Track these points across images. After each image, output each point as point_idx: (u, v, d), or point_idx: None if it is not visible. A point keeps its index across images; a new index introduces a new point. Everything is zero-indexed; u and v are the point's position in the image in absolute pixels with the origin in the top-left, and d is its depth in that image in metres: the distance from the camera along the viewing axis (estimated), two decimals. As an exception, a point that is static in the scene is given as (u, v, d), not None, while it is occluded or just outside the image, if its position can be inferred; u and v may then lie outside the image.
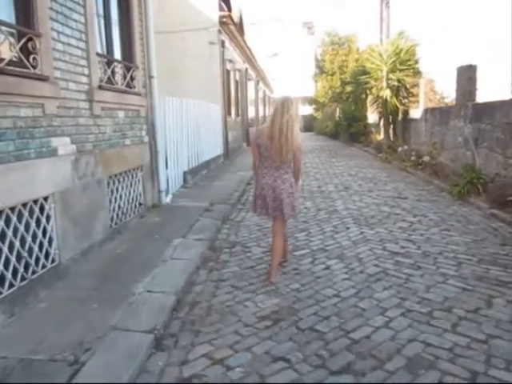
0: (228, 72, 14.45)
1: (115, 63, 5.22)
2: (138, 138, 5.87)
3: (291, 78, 37.81)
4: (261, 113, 27.96)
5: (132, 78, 5.73)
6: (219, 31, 12.50)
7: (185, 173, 8.33)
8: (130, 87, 5.68)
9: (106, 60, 5.05)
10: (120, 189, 5.32)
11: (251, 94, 22.13)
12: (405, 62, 12.14)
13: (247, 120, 19.34)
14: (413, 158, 10.12)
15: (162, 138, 6.86)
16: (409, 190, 8.06)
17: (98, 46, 4.85)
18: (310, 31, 42.86)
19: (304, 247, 4.84)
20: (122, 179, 5.36)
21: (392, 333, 2.96)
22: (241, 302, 3.52)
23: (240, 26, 20.74)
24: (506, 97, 6.99)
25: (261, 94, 27.97)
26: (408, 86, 12.32)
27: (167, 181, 7.12)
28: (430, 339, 2.85)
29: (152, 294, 3.53)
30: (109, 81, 5.05)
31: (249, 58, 18.78)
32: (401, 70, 12.07)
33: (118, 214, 5.23)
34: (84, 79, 4.40)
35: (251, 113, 21.62)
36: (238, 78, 16.86)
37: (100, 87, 4.68)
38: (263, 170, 3.92)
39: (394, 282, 3.78)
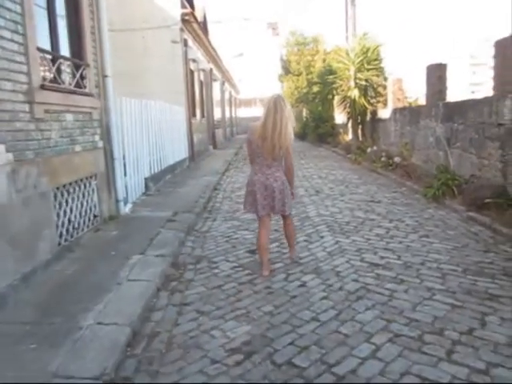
0: (192, 72, 13.93)
1: (61, 60, 4.66)
2: (90, 143, 5.31)
3: (257, 79, 37.54)
4: (227, 114, 27.49)
5: (82, 77, 5.17)
6: (181, 29, 11.98)
7: (146, 179, 7.78)
8: (81, 87, 5.12)
9: (50, 57, 4.49)
10: (70, 201, 4.75)
11: (217, 95, 21.66)
12: (372, 62, 11.98)
13: (213, 122, 18.84)
14: (383, 159, 9.92)
15: (118, 143, 6.32)
16: (381, 192, 7.80)
17: (40, 41, 4.28)
18: (274, 32, 42.73)
19: (276, 260, 4.42)
20: (72, 190, 4.80)
21: (381, 365, 2.57)
22: (207, 331, 3.07)
23: (204, 25, 20.23)
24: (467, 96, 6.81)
25: (227, 95, 27.51)
26: (375, 85, 12.16)
27: (126, 189, 6.58)
28: (425, 372, 2.49)
29: (103, 326, 3.03)
30: (54, 80, 4.49)
31: (213, 57, 18.30)
32: (368, 70, 11.89)
33: (68, 230, 4.67)
34: (22, 78, 3.83)
35: (217, 114, 21.13)
36: (202, 78, 16.35)
37: (42, 87, 4.12)
38: (255, 166, 4.00)
39: (377, 300, 3.42)
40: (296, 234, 4.69)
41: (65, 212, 4.63)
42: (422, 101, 13.53)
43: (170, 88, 11.87)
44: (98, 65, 5.60)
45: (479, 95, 7.13)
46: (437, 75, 8.02)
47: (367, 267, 4.12)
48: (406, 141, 9.44)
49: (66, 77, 4.78)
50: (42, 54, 4.20)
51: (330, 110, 17.98)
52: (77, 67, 5.06)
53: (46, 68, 4.35)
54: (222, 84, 24.01)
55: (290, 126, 3.85)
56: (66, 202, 4.67)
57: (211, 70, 18.72)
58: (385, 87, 13.09)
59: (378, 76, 12.48)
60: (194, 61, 13.66)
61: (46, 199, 4.14)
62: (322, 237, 5.14)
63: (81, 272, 4.03)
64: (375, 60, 12.02)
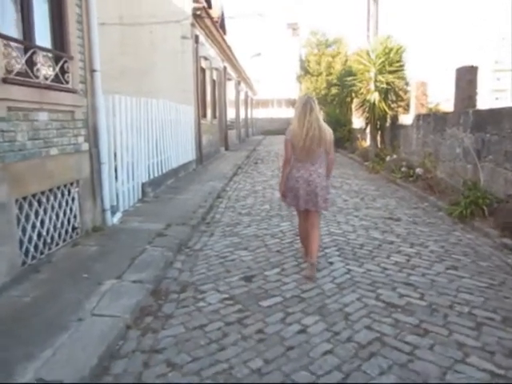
0: (203, 70, 13.30)
1: (36, 50, 4.03)
2: (71, 146, 4.69)
3: (275, 80, 36.83)
4: (242, 115, 26.85)
5: (64, 72, 4.55)
6: (193, 25, 11.35)
7: (144, 184, 7.16)
8: (61, 82, 4.50)
9: (21, 46, 3.88)
10: (42, 212, 4.14)
11: (231, 95, 21.02)
12: (394, 63, 11.16)
13: (226, 122, 18.21)
14: (403, 169, 9.13)
15: (110, 146, 5.71)
16: (401, 208, 7.03)
17: (7, 27, 3.68)
18: (294, 32, 41.93)
19: (274, 293, 3.73)
20: (44, 200, 4.18)
21: None
22: (175, 396, 2.40)
23: (221, 24, 19.63)
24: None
25: (242, 96, 26.87)
26: (397, 89, 11.36)
27: (117, 196, 5.96)
28: None
29: (43, 386, 2.38)
30: (25, 73, 3.88)
31: (228, 56, 17.66)
32: (390, 72, 11.08)
33: (37, 246, 4.05)
34: (-22, 69, 3.22)
35: (231, 115, 20.49)
36: (215, 77, 15.72)
37: (5, 80, 3.50)
38: (298, 163, 4.12)
39: (395, 360, 2.70)
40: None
41: (33, 225, 4.01)
42: (443, 107, 12.76)
43: (178, 86, 11.26)
44: (85, 58, 4.99)
45: (503, 102, 6.31)
46: (467, 79, 7.22)
47: (383, 309, 3.39)
48: (430, 151, 8.63)
49: (42, 70, 4.15)
50: (5, 42, 3.57)
51: (347, 114, 17.20)
52: (57, 59, 4.45)
53: (13, 59, 3.73)
54: (238, 84, 23.36)
55: (323, 123, 4.05)
56: (36, 213, 4.05)
57: (225, 68, 18.09)
58: (405, 92, 12.29)
59: (399, 79, 11.69)
60: (205, 58, 13.02)
61: (4, 211, 3.52)
62: (331, 263, 4.42)
63: (40, 300, 3.39)
64: (398, 62, 11.21)
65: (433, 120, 8.72)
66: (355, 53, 14.53)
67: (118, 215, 5.74)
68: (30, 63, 3.97)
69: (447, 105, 14.20)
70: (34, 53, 3.99)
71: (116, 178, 5.97)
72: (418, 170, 8.41)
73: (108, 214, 5.39)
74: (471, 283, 3.89)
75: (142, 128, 7.13)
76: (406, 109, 11.88)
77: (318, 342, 2.92)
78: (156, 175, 7.89)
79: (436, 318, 3.24)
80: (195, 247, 5.03)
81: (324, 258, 4.58)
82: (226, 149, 17.90)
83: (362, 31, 17.43)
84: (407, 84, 12.53)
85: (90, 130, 5.10)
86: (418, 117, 9.74)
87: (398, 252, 4.75)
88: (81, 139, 4.90)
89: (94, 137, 5.17)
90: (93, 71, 5.09)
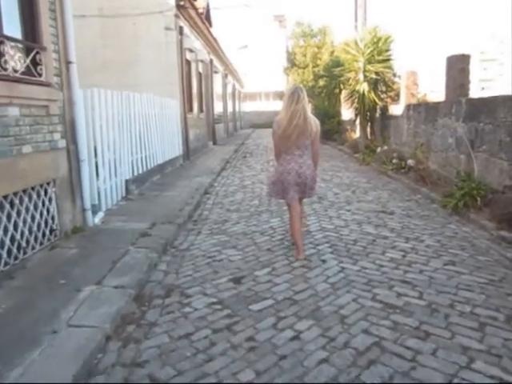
0: (189, 63, 12.98)
1: (2, 40, 3.73)
2: (47, 143, 4.41)
3: (263, 73, 36.49)
4: (230, 108, 26.53)
5: (36, 63, 4.26)
6: (176, 16, 11.02)
7: (128, 181, 6.88)
8: (33, 75, 4.21)
9: (-14, 35, 3.59)
10: (14, 214, 3.87)
11: (218, 88, 20.70)
12: (383, 53, 10.95)
13: (213, 116, 17.90)
14: (395, 161, 8.96)
15: (90, 142, 5.43)
16: (394, 200, 6.85)
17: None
18: (281, 24, 41.52)
19: (265, 295, 3.51)
20: (17, 201, 3.91)
21: None
22: (157, 416, 2.18)
23: (207, 17, 19.26)
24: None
25: (230, 89, 26.52)
26: (387, 79, 11.16)
27: (98, 195, 5.69)
28: None
29: (8, 411, 2.14)
30: (-10, 65, 3.59)
31: (214, 48, 17.32)
32: (379, 62, 10.87)
33: (10, 251, 3.78)
34: None
35: (218, 108, 20.17)
36: (201, 70, 15.39)
37: (-33, 73, 3.22)
38: (287, 156, 4.19)
39: (396, 368, 2.50)
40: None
41: (5, 229, 3.74)
42: (431, 97, 12.62)
43: (163, 79, 10.95)
44: (60, 49, 4.69)
45: (489, 92, 6.15)
46: (459, 67, 7.04)
47: (381, 310, 3.20)
48: (421, 141, 8.45)
49: (11, 62, 3.86)
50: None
51: (336, 105, 16.96)
52: (27, 50, 4.16)
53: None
54: (225, 77, 23.02)
55: (309, 113, 4.10)
56: (8, 216, 3.78)
57: (211, 61, 17.75)
58: (393, 82, 12.10)
59: (388, 69, 11.49)
60: (190, 51, 12.69)
61: (-29, 216, 3.25)
62: (323, 261, 4.22)
63: (12, 310, 3.14)
64: (386, 51, 11.00)
65: (424, 110, 8.54)
66: (343, 43, 14.32)
67: (100, 215, 5.48)
68: (-4, 54, 3.67)
69: (433, 95, 14.09)
70: (0, 42, 3.69)
71: (97, 175, 5.69)
72: (410, 162, 8.24)
73: (89, 214, 5.12)
74: (471, 279, 3.71)
75: (125, 123, 6.84)
76: (395, 99, 11.70)
77: (313, 350, 2.72)
78: (140, 171, 7.62)
79: (437, 318, 3.05)
80: (181, 247, 4.79)
81: (316, 255, 4.38)
82: (214, 143, 17.61)
83: (349, 21, 17.20)
84: (395, 75, 12.36)
85: (67, 125, 4.81)
86: (408, 107, 9.56)
87: (393, 247, 4.56)
88: (57, 135, 4.62)
89: (71, 133, 4.89)
90: (69, 63, 4.80)
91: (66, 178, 4.79)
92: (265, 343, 2.81)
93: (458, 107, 6.88)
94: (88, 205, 5.10)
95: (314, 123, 4.14)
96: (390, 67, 11.58)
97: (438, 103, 7.99)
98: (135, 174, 7.31)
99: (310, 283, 3.71)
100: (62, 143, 4.72)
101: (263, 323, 3.06)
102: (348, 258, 4.26)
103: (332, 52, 24.39)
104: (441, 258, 4.22)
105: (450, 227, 5.30)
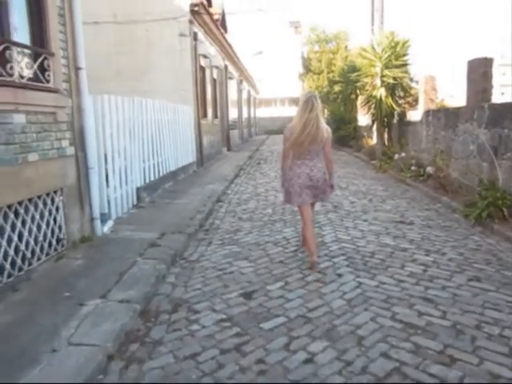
0: (203, 69, 12.90)
1: (8, 45, 3.64)
2: (54, 150, 4.30)
3: (278, 79, 36.41)
4: (245, 114, 26.45)
5: (44, 69, 4.16)
6: (191, 21, 10.96)
7: (139, 189, 6.77)
8: (41, 81, 4.12)
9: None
10: (19, 224, 3.75)
11: (233, 95, 20.63)
12: (401, 57, 10.69)
13: (228, 122, 17.81)
14: (413, 168, 8.68)
15: (100, 149, 5.34)
16: (412, 209, 6.59)
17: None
18: (297, 30, 41.42)
19: (277, 312, 3.32)
20: (22, 210, 3.80)
21: None
22: None
23: (222, 22, 19.25)
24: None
25: (245, 95, 26.46)
26: (404, 84, 10.89)
27: (108, 203, 5.58)
28: None
29: None
30: (-4, 71, 3.49)
31: (229, 54, 17.26)
32: (397, 67, 10.61)
33: (14, 262, 3.67)
34: None
35: (233, 114, 20.09)
36: (215, 76, 15.32)
37: (-30, 79, 3.12)
38: (297, 161, 4.25)
39: (419, 398, 2.29)
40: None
41: (9, 239, 3.62)
42: (450, 102, 12.27)
43: (176, 85, 10.88)
44: (69, 54, 4.60)
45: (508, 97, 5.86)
46: (481, 71, 6.77)
47: (401, 330, 2.98)
48: (441, 148, 8.17)
49: (17, 67, 3.77)
50: (-30, 36, 3.19)
51: (352, 111, 16.72)
52: (35, 56, 4.06)
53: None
54: (240, 83, 22.96)
55: (322, 121, 4.17)
56: (13, 226, 3.67)
57: (226, 67, 17.69)
58: (410, 87, 11.81)
59: (406, 73, 11.22)
60: (205, 57, 12.62)
61: (-28, 227, 3.14)
62: (339, 275, 4.01)
63: (12, 326, 3.01)
64: (404, 56, 10.74)
65: (444, 116, 8.27)
66: (359, 48, 14.11)
67: (110, 223, 5.36)
68: (3, 60, 3.58)
69: (453, 101, 13.73)
70: (6, 48, 3.60)
71: (107, 183, 5.58)
72: (429, 169, 7.97)
73: (97, 222, 5.01)
74: (498, 297, 3.46)
75: (136, 129, 6.74)
76: (413, 105, 11.42)
77: (328, 375, 2.52)
78: (152, 179, 7.50)
79: (462, 341, 2.82)
80: (191, 258, 4.63)
81: (332, 268, 4.17)
82: (229, 149, 17.50)
83: (365, 26, 16.96)
84: (411, 80, 12.08)
85: (75, 132, 4.71)
86: (427, 112, 9.28)
87: (412, 261, 4.33)
88: (65, 143, 4.52)
89: (80, 140, 4.79)
90: (78, 69, 4.70)
91: (75, 186, 4.68)
92: (276, 366, 2.62)
93: (480, 112, 6.60)
94: (97, 213, 4.99)
95: (326, 131, 4.18)
96: (407, 72, 11.33)
97: (459, 108, 7.71)
98: (147, 181, 7.20)
99: (325, 299, 3.50)
100: (71, 150, 4.61)
101: (274, 343, 2.87)
102: (365, 272, 4.04)
103: (346, 57, 24.18)
104: (464, 273, 3.97)
105: (472, 239, 5.04)
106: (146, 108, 7.24)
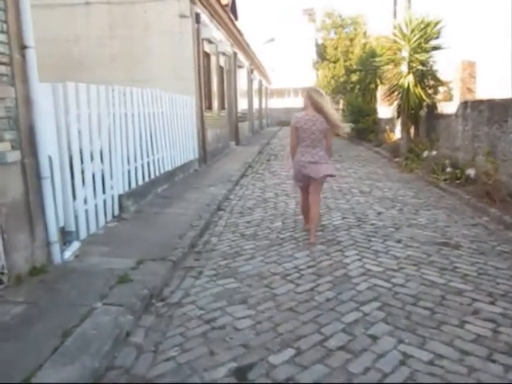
0: (207, 55, 11.69)
1: None
2: (-15, 157, 3.17)
3: (291, 68, 35.04)
4: (256, 105, 25.19)
5: (-34, 46, 3.02)
6: (192, 1, 9.74)
7: (121, 197, 5.64)
8: (-40, 63, 2.98)
9: None
10: None
11: (243, 84, 19.39)
12: (432, 41, 9.33)
13: (236, 114, 16.60)
14: (448, 170, 7.41)
15: (59, 153, 4.21)
16: (455, 225, 5.36)
17: None
18: (310, 18, 39.91)
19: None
20: None
21: None
22: None
23: (232, 8, 18.01)
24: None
25: (256, 85, 25.17)
26: (436, 71, 9.54)
27: (76, 219, 4.46)
28: None
29: None
30: None
31: (238, 40, 16.00)
32: (427, 51, 9.26)
33: None
34: None
35: (243, 105, 18.86)
36: (222, 63, 14.08)
37: None
38: (301, 148, 4.71)
39: None
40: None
41: None
42: (479, 94, 10.83)
43: (176, 73, 9.71)
44: (9, 29, 3.45)
45: None
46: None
47: None
48: (486, 147, 6.87)
49: None
50: None
51: (372, 102, 15.43)
52: (-50, 27, 2.92)
53: None
54: (250, 72, 21.65)
55: (332, 109, 4.76)
56: None
57: (235, 54, 16.44)
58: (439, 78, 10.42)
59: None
60: (209, 42, 11.40)
61: None
62: (374, 338, 2.81)
63: None
64: (437, 37, 9.37)
65: (487, 108, 6.96)
66: (381, 36, 12.73)
67: (75, 246, 4.23)
68: None
69: (496, 92, 12.22)
70: None
71: (74, 194, 4.46)
72: (470, 171, 6.70)
73: (55, 247, 3.88)
74: None
75: (117, 125, 5.58)
76: (446, 96, 10.09)
77: None
78: (140, 183, 6.36)
79: None
80: (172, 299, 3.48)
81: (362, 325, 2.98)
82: (237, 143, 16.31)
83: (384, 11, 15.56)
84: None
85: (21, 132, 3.58)
86: (464, 104, 7.96)
87: (474, 313, 3.12)
88: (4, 146, 3.39)
89: (29, 142, 3.65)
90: (24, 48, 3.56)
91: (20, 203, 3.56)
92: None
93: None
94: (54, 236, 3.86)
95: (333, 117, 4.62)
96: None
97: (508, 100, 6.40)
98: (132, 186, 6.06)
99: (355, 376, 2.33)
100: (13, 156, 3.48)
101: None
102: (411, 334, 2.85)
103: (364, 44, 22.70)
104: (556, 339, 2.75)
105: (547, 274, 3.80)
106: (132, 99, 6.07)
